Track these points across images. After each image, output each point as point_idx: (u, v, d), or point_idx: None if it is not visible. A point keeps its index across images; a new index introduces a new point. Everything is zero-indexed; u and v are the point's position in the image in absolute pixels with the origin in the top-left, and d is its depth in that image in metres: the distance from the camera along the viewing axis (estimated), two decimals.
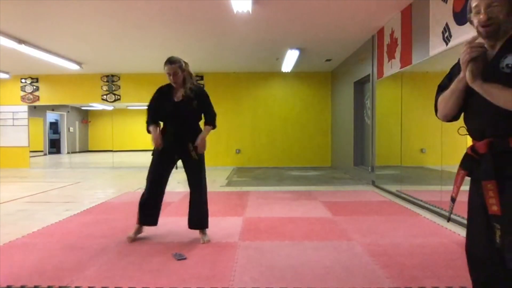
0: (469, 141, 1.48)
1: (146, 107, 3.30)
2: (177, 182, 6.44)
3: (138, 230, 3.31)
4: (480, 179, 1.36)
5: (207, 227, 3.29)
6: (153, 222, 3.32)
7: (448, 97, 1.46)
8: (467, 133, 1.47)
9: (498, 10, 1.30)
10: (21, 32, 6.16)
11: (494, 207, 1.29)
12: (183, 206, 4.17)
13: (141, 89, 9.99)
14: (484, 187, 1.33)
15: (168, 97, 3.21)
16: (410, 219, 3.99)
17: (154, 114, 3.25)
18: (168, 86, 3.25)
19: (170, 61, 3.11)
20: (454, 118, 1.52)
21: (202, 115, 3.31)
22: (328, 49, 7.57)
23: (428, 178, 5.84)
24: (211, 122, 3.29)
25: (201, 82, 9.87)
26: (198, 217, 3.26)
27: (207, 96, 3.30)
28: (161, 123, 3.32)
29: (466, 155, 1.47)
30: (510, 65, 1.27)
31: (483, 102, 1.32)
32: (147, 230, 3.49)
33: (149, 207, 3.26)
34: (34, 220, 4.03)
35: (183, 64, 3.16)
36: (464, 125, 1.49)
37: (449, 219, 1.68)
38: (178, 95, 3.19)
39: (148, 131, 3.24)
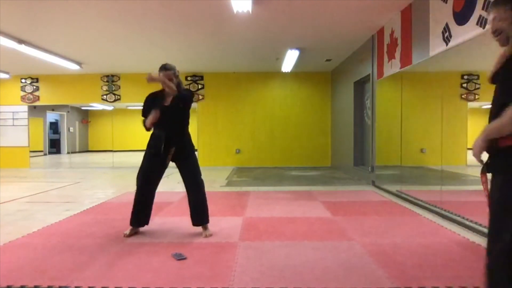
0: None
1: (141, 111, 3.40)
2: (177, 182, 6.43)
3: (133, 230, 3.44)
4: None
5: (207, 222, 3.44)
6: (145, 222, 3.45)
7: None
8: None
9: (501, 22, 1.41)
10: (21, 32, 6.16)
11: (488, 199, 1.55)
12: (183, 206, 4.18)
13: (141, 89, 9.94)
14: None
15: (160, 101, 3.34)
16: (410, 219, 3.99)
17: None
18: (160, 91, 3.40)
19: (166, 68, 3.29)
20: None
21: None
22: (328, 49, 7.57)
23: (428, 178, 5.85)
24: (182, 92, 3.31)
25: (201, 82, 9.86)
26: (199, 213, 3.41)
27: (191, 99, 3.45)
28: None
29: None
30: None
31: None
32: (147, 230, 3.51)
33: (140, 208, 3.39)
34: (34, 220, 4.03)
35: (177, 72, 3.36)
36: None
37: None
38: (168, 100, 3.34)
39: (146, 126, 3.34)
